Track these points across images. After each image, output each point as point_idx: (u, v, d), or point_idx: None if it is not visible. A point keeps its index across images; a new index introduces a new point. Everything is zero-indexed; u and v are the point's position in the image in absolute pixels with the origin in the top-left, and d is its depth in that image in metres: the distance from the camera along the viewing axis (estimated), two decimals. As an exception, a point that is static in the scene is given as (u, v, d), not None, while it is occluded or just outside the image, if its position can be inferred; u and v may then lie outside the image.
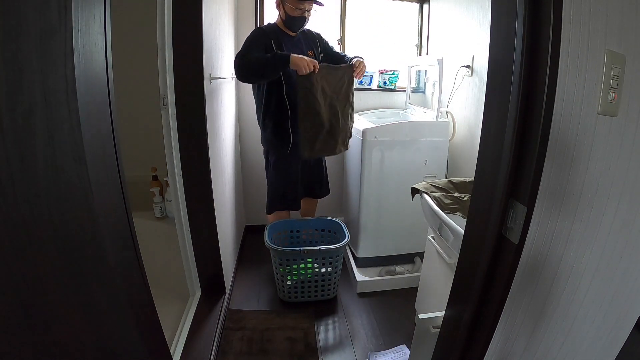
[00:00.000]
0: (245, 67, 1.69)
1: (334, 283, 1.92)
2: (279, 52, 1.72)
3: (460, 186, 1.48)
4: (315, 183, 2.12)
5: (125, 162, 0.64)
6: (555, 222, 0.74)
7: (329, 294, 1.93)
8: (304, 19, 1.82)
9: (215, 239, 1.62)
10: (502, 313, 0.79)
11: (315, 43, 1.96)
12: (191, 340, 1.41)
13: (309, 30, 1.96)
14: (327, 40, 2.04)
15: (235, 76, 1.76)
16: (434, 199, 1.37)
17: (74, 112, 0.48)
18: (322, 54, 1.96)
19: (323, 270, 1.85)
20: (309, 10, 1.80)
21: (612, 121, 0.69)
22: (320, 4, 1.79)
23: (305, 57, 1.68)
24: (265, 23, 1.91)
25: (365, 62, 1.90)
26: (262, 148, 2.04)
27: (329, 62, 1.91)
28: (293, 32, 1.86)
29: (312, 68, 1.67)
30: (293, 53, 1.72)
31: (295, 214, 2.22)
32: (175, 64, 1.33)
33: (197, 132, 1.44)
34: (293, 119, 1.84)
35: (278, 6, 1.83)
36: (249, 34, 1.81)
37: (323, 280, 1.87)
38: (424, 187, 1.45)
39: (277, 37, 1.81)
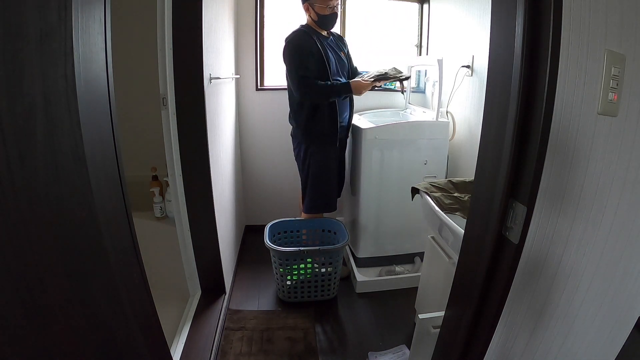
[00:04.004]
0: (313, 94, 1.80)
1: (334, 283, 1.91)
2: (339, 83, 1.83)
3: (460, 186, 1.48)
4: (340, 183, 2.13)
5: (125, 162, 0.64)
6: (555, 222, 0.74)
7: (328, 294, 1.93)
8: (335, 16, 1.86)
9: (215, 239, 1.62)
10: (502, 313, 0.79)
11: (344, 43, 2.04)
12: (191, 340, 1.41)
13: (332, 31, 2.00)
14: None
15: (298, 95, 1.81)
16: (434, 199, 1.37)
17: (74, 112, 0.48)
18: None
19: (323, 270, 1.85)
20: (337, 6, 1.84)
21: (612, 121, 0.69)
22: None
23: (361, 81, 1.85)
24: (297, 27, 1.89)
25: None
26: (292, 145, 2.03)
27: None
28: (327, 30, 1.91)
29: (370, 87, 1.86)
30: (332, 54, 1.87)
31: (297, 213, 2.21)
32: (175, 64, 1.34)
33: (197, 132, 1.44)
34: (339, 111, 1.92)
35: (307, 9, 1.85)
36: (291, 44, 1.81)
37: (323, 281, 1.87)
38: (424, 187, 1.45)
39: (317, 37, 1.85)
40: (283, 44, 1.85)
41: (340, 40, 2.04)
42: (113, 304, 0.61)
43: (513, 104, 0.67)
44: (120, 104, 0.68)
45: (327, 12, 1.82)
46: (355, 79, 1.88)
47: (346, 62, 2.01)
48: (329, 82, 1.81)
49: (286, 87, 1.97)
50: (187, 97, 1.39)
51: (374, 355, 1.56)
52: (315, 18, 1.84)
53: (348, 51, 2.06)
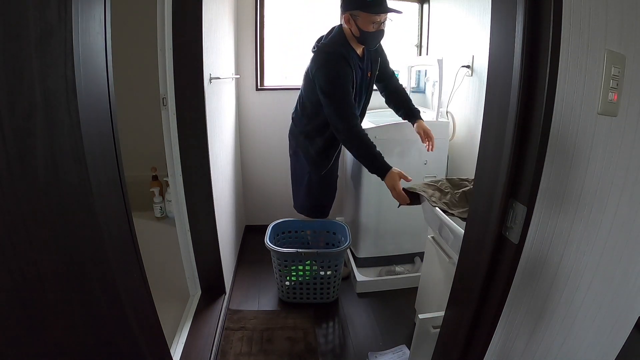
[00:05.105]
0: (354, 146, 1.60)
1: (334, 287, 1.88)
2: (382, 159, 1.58)
3: (455, 183, 1.49)
4: None
5: (125, 162, 0.64)
6: (555, 222, 0.74)
7: (328, 298, 1.90)
8: (382, 33, 1.61)
9: (215, 239, 1.62)
10: (502, 313, 0.79)
11: (376, 60, 1.79)
12: (191, 340, 1.41)
13: None
14: (384, 51, 1.87)
15: (339, 133, 1.63)
16: (431, 196, 1.37)
17: (74, 112, 0.48)
18: (377, 72, 1.83)
19: (322, 273, 1.84)
20: (384, 22, 1.59)
21: (612, 121, 0.69)
22: (399, 12, 1.59)
23: (398, 190, 1.52)
24: (335, 44, 1.63)
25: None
26: (288, 146, 1.98)
27: (379, 79, 1.88)
28: (369, 48, 1.69)
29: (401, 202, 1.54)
30: (358, 80, 1.65)
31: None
32: (175, 64, 1.33)
33: (197, 132, 1.44)
34: (338, 152, 1.87)
35: (347, 21, 1.59)
36: (333, 71, 1.57)
37: (322, 284, 1.86)
38: (422, 190, 1.45)
39: (353, 61, 1.62)
40: (317, 54, 1.66)
41: (374, 55, 1.78)
42: (113, 304, 0.61)
43: (513, 104, 0.67)
44: (120, 104, 0.68)
45: (372, 28, 1.56)
46: (398, 173, 1.53)
47: (368, 83, 1.80)
48: (376, 150, 1.58)
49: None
50: (187, 97, 1.39)
51: (374, 355, 1.56)
52: (357, 34, 1.59)
53: (381, 66, 1.83)
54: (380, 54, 1.82)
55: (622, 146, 0.70)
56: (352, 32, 1.62)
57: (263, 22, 2.39)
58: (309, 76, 1.70)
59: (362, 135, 1.59)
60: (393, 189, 1.54)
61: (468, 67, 1.95)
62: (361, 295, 2.00)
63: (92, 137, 0.52)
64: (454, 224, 1.20)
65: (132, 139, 1.94)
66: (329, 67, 1.58)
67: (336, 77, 1.58)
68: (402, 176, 1.56)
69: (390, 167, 1.57)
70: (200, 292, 1.70)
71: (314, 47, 1.73)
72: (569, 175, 0.71)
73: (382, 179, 1.58)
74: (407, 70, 2.42)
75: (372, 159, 1.59)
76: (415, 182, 1.56)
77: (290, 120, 1.96)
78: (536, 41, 0.64)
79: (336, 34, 1.67)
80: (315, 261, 1.82)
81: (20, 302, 0.49)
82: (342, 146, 1.94)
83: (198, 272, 1.66)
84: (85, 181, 0.51)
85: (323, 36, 1.76)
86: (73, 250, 0.54)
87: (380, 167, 1.57)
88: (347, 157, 2.31)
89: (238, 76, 2.32)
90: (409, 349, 1.38)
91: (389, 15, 1.59)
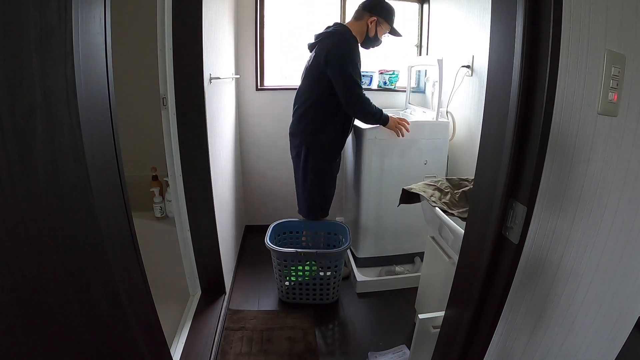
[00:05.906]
0: (361, 108, 1.80)
1: (334, 288, 1.88)
2: (384, 113, 1.85)
3: (455, 183, 1.49)
4: None
5: (125, 162, 0.64)
6: (555, 222, 0.74)
7: (327, 299, 1.90)
8: (380, 44, 1.94)
9: (215, 239, 1.62)
10: (502, 313, 0.79)
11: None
12: (191, 340, 1.41)
13: None
14: None
15: (347, 98, 1.77)
16: (431, 196, 1.37)
17: (74, 112, 0.48)
18: None
19: (322, 274, 1.84)
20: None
21: (612, 121, 0.69)
22: (400, 35, 1.97)
23: (399, 121, 1.87)
24: (346, 32, 1.82)
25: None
26: (289, 146, 1.99)
27: None
28: (367, 49, 1.94)
29: (405, 132, 1.89)
30: (360, 69, 1.86)
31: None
32: (175, 64, 1.33)
33: (197, 132, 1.44)
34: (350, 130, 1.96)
35: (371, 23, 1.83)
36: (349, 52, 1.76)
37: (322, 285, 1.85)
38: (422, 190, 1.45)
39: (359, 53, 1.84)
40: (331, 36, 1.79)
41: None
42: (113, 304, 0.61)
43: (513, 104, 0.67)
44: (120, 104, 0.68)
45: (381, 37, 1.87)
46: (397, 121, 1.86)
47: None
48: (377, 107, 1.83)
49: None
50: (187, 97, 1.39)
51: (374, 355, 1.56)
52: (372, 35, 1.85)
53: None
54: None
55: (622, 146, 0.70)
56: (366, 31, 1.85)
57: (263, 22, 2.40)
58: (317, 67, 1.78)
59: (368, 99, 1.82)
60: (395, 127, 1.87)
61: (468, 67, 1.95)
62: (361, 295, 2.00)
63: (92, 137, 0.52)
64: (454, 224, 1.20)
65: (132, 139, 1.94)
66: (348, 45, 1.77)
67: (353, 57, 1.77)
68: (400, 119, 1.90)
69: (388, 116, 1.88)
70: (200, 292, 1.70)
71: (318, 38, 1.84)
72: (569, 175, 0.71)
73: (385, 125, 1.88)
74: (407, 70, 2.42)
75: (376, 114, 1.83)
76: (415, 182, 1.56)
77: (291, 121, 1.95)
78: (536, 41, 0.64)
79: (342, 28, 1.83)
80: (315, 262, 1.82)
81: (20, 302, 0.49)
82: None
83: (198, 272, 1.66)
84: (85, 181, 0.51)
85: (321, 33, 1.86)
86: (73, 250, 0.53)
87: (385, 118, 1.85)
88: (347, 157, 2.31)
89: (238, 76, 2.33)
90: (409, 349, 1.38)
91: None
